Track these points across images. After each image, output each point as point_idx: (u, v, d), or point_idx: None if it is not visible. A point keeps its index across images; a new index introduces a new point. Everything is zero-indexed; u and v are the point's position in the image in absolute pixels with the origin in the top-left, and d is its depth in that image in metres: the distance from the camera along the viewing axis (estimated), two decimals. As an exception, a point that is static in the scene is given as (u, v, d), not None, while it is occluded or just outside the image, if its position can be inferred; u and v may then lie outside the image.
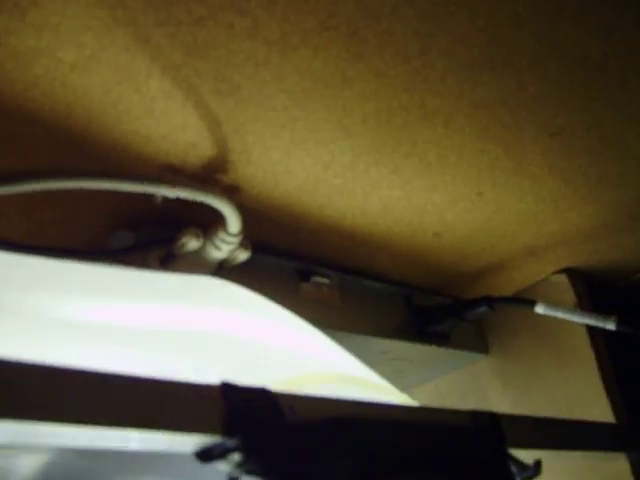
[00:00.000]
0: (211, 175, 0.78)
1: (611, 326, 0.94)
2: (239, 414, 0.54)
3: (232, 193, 0.81)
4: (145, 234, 0.82)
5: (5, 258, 0.66)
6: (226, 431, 0.52)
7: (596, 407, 1.04)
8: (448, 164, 0.84)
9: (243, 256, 0.80)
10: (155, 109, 0.69)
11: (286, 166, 0.79)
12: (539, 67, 0.73)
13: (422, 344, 1.06)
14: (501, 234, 1.00)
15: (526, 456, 0.74)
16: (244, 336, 0.80)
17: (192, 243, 0.76)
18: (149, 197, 0.72)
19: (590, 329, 1.07)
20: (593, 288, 1.14)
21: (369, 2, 0.62)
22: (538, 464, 0.73)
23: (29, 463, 0.61)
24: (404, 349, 1.06)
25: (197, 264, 0.78)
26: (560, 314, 0.98)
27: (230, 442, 0.53)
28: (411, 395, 1.17)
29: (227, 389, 0.55)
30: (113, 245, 0.82)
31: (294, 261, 0.95)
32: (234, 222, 0.73)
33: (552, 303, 0.99)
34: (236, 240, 0.76)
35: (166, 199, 0.68)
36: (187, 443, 0.53)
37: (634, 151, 0.88)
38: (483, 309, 1.03)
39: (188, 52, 0.64)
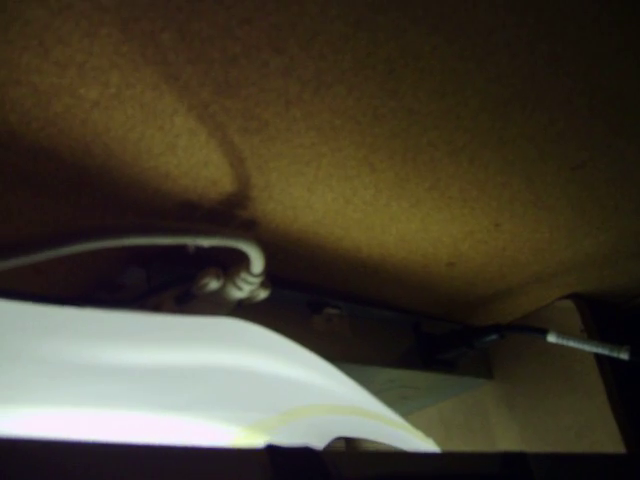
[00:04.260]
0: (229, 211, 0.75)
1: (624, 356, 0.93)
2: (287, 478, 0.51)
3: (249, 228, 0.79)
4: (157, 271, 0.79)
5: (18, 307, 0.62)
6: (275, 498, 0.50)
7: (605, 433, 1.04)
8: (469, 198, 0.82)
9: (263, 295, 0.77)
10: (177, 146, 0.66)
11: (307, 201, 0.77)
12: (570, 103, 0.71)
13: (429, 372, 1.05)
14: (513, 263, 0.99)
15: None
16: (258, 371, 0.78)
17: (213, 284, 0.73)
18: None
19: (598, 355, 1.07)
20: (597, 311, 1.14)
21: (410, 41, 0.60)
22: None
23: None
24: (411, 377, 1.05)
25: (216, 304, 0.75)
26: (572, 343, 0.97)
27: (278, 508, 0.50)
28: (414, 419, 1.16)
29: (272, 452, 0.52)
30: (124, 282, 0.79)
31: (306, 293, 0.93)
32: (258, 263, 0.70)
33: (561, 329, 0.99)
34: (258, 280, 0.73)
35: (196, 247, 0.65)
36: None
37: (652, 182, 0.88)
38: (493, 337, 1.02)
39: (218, 90, 0.61)
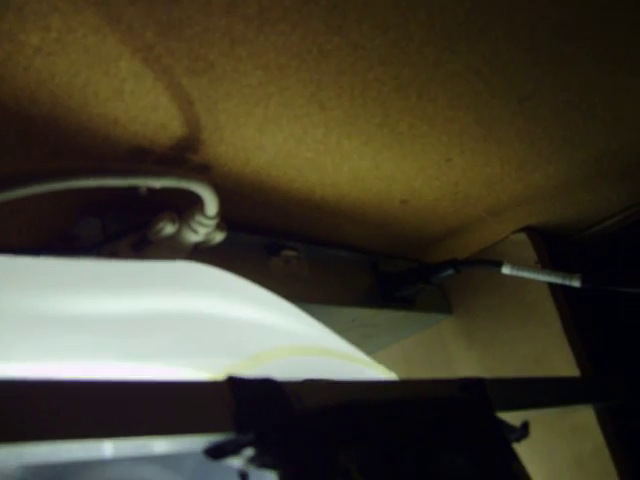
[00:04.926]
0: (181, 155, 0.75)
1: (576, 283, 0.96)
2: (249, 409, 0.53)
3: (202, 172, 0.79)
4: (111, 220, 0.79)
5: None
6: (238, 427, 0.51)
7: (561, 360, 1.07)
8: (419, 133, 0.83)
9: (219, 237, 0.78)
10: (124, 91, 0.66)
11: (258, 142, 0.77)
12: (513, 35, 0.72)
13: (389, 309, 1.06)
14: (466, 198, 1.01)
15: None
16: (220, 315, 0.79)
17: (168, 228, 0.73)
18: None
19: (551, 285, 1.10)
20: (550, 243, 1.17)
21: (351, -25, 0.60)
22: (526, 425, 0.75)
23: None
24: (372, 315, 1.06)
25: (172, 249, 0.75)
26: (526, 274, 0.99)
27: (243, 437, 0.52)
28: (377, 357, 1.19)
29: (234, 383, 0.53)
30: (79, 233, 0.79)
31: (263, 236, 0.93)
32: (212, 205, 0.71)
33: (515, 262, 1.01)
34: (213, 223, 0.74)
35: (150, 189, 0.65)
36: (197, 442, 0.52)
37: (597, 113, 0.89)
38: (449, 272, 1.04)
39: (161, 31, 0.61)
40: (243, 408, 0.52)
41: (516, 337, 1.13)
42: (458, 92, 0.78)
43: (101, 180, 0.59)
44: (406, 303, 1.09)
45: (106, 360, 0.77)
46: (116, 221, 0.79)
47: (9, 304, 0.65)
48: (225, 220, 0.81)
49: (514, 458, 0.70)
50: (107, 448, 0.50)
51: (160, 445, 0.50)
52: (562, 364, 1.07)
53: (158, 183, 0.64)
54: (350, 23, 0.65)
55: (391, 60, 0.71)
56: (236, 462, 0.53)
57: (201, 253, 0.81)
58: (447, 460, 0.65)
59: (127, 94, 0.66)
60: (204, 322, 0.79)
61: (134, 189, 0.66)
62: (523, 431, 0.74)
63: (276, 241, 0.94)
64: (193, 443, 0.51)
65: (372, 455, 0.59)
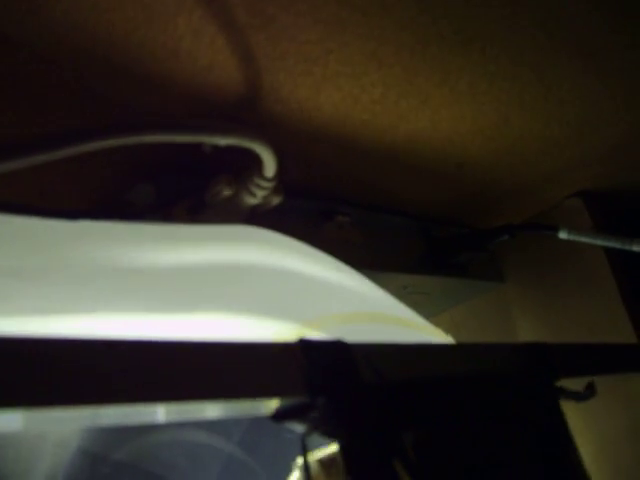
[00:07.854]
0: (235, 116, 0.74)
1: (637, 248, 0.93)
2: (321, 372, 0.51)
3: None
4: (164, 185, 0.77)
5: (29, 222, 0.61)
6: (310, 390, 0.50)
7: (618, 328, 1.04)
8: (479, 92, 0.80)
9: (276, 200, 0.76)
10: (181, 50, 0.64)
11: (315, 102, 0.75)
12: (582, -16, 0.69)
13: (441, 276, 1.04)
14: (522, 162, 0.98)
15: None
16: (285, 272, 0.77)
17: (225, 191, 0.71)
18: (167, 146, 0.67)
19: (607, 251, 1.07)
20: (606, 208, 1.13)
21: None
22: (591, 385, 0.73)
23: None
24: (424, 282, 1.04)
25: (229, 212, 0.74)
26: (583, 238, 0.96)
27: (312, 401, 0.50)
28: (427, 326, 1.16)
29: (306, 345, 0.52)
30: (132, 199, 0.77)
31: (315, 201, 0.92)
32: (271, 166, 0.69)
33: (572, 227, 0.98)
34: (271, 185, 0.72)
35: (213, 147, 0.63)
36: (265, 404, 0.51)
37: (663, 71, 0.86)
38: (504, 238, 1.01)
39: (221, -16, 0.59)
40: (315, 370, 0.51)
41: (570, 305, 1.10)
42: (521, 48, 0.75)
43: (169, 135, 0.58)
44: (458, 270, 1.06)
45: (165, 312, 0.75)
46: (169, 186, 0.78)
47: (71, 257, 0.64)
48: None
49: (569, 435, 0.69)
50: (167, 412, 0.49)
51: (224, 409, 0.49)
52: (619, 332, 1.04)
53: (223, 141, 0.62)
54: (415, -27, 0.62)
55: (455, 13, 0.68)
56: (298, 427, 0.52)
57: (256, 218, 0.79)
58: (504, 440, 0.64)
59: (184, 53, 0.64)
60: (270, 277, 0.77)
61: (192, 150, 0.64)
62: (589, 391, 0.72)
63: (329, 206, 0.92)
64: (259, 406, 0.50)
65: (430, 436, 0.57)
